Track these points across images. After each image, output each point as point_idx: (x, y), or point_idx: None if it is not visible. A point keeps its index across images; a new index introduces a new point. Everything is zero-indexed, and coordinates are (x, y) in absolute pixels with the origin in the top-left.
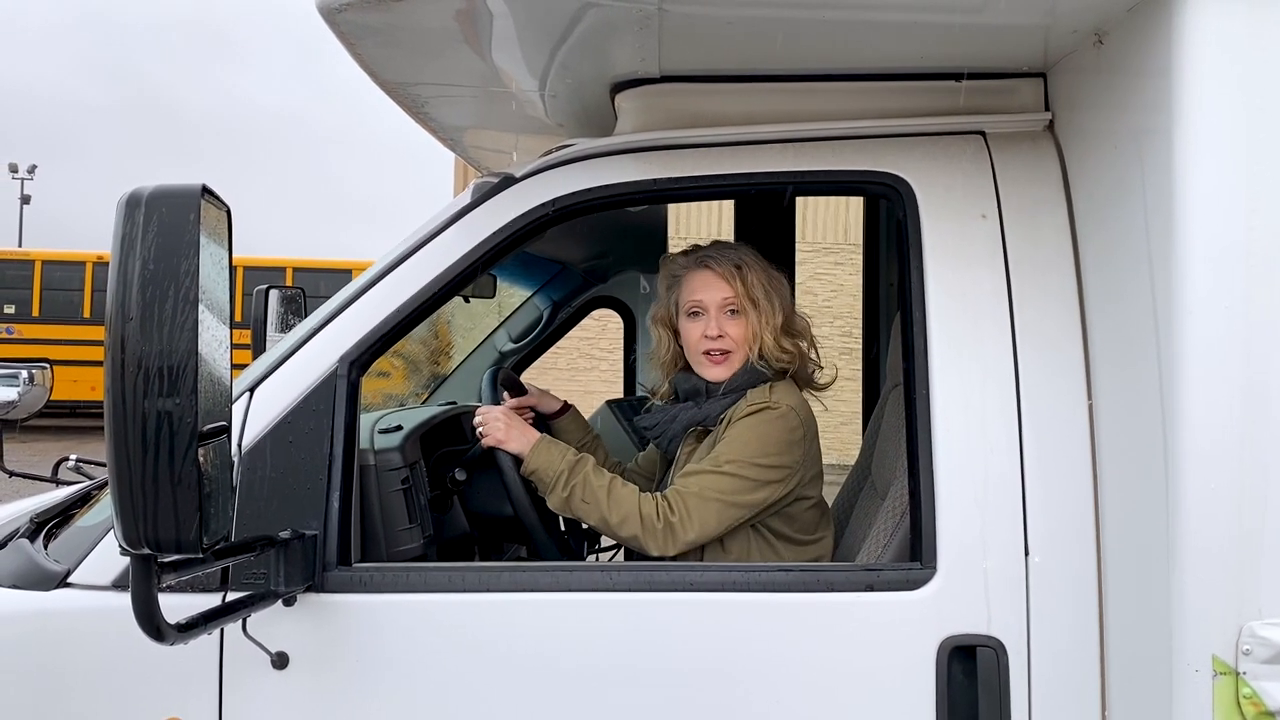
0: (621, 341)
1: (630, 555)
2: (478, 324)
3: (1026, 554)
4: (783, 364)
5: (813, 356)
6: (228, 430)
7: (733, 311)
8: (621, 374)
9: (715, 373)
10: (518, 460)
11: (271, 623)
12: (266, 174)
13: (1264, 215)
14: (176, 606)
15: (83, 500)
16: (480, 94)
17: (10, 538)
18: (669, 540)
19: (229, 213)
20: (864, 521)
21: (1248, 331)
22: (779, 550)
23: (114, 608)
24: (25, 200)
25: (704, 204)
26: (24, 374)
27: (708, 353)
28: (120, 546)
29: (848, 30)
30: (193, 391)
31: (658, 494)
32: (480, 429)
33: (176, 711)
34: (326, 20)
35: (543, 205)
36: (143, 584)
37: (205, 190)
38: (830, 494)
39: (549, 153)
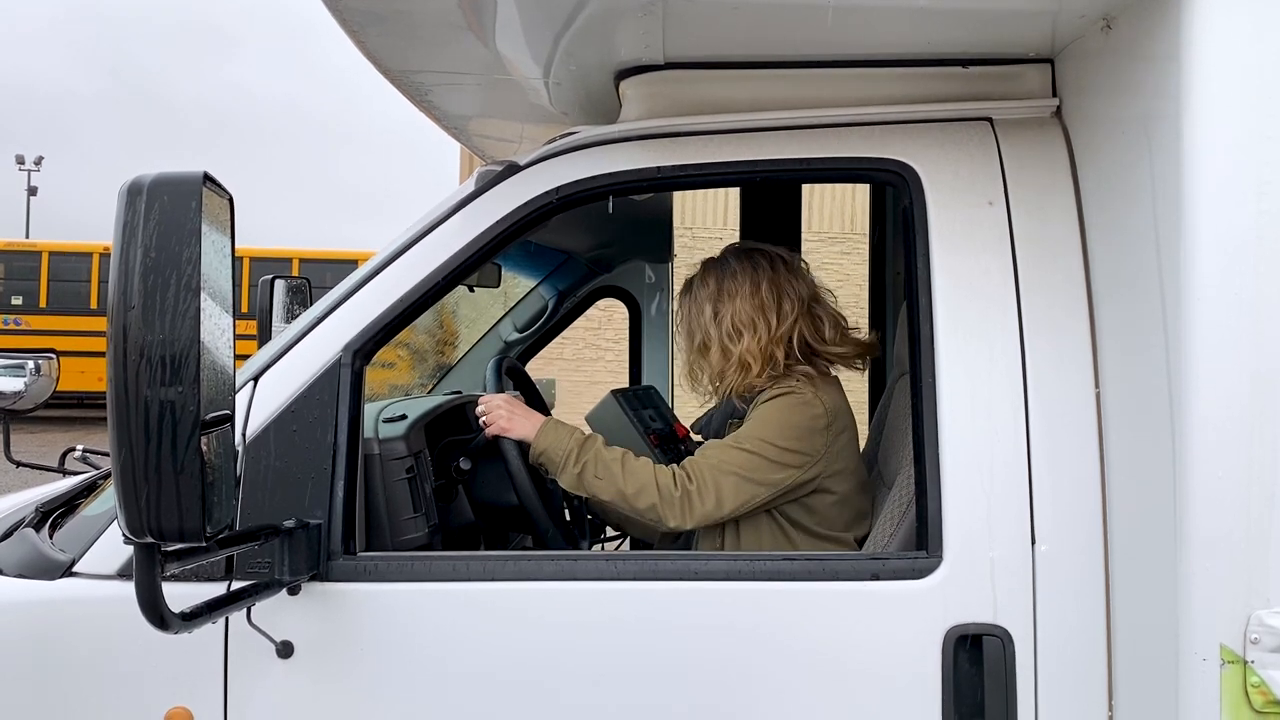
0: (627, 331)
1: (635, 545)
2: (483, 314)
3: (1033, 543)
4: (732, 388)
5: (783, 356)
6: (231, 419)
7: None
8: (627, 364)
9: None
10: (523, 448)
11: (276, 612)
12: (274, 168)
13: (1274, 201)
14: (181, 595)
15: (88, 490)
16: (484, 82)
17: (16, 527)
18: (686, 510)
19: (230, 200)
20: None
21: (1257, 318)
22: (794, 539)
23: (119, 597)
24: (32, 192)
25: (710, 192)
26: (30, 364)
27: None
28: (124, 535)
29: (854, 15)
30: (195, 380)
31: (673, 465)
32: (483, 418)
33: (182, 700)
34: (330, 8)
35: (547, 193)
36: (146, 573)
37: (207, 178)
38: None
39: (553, 140)
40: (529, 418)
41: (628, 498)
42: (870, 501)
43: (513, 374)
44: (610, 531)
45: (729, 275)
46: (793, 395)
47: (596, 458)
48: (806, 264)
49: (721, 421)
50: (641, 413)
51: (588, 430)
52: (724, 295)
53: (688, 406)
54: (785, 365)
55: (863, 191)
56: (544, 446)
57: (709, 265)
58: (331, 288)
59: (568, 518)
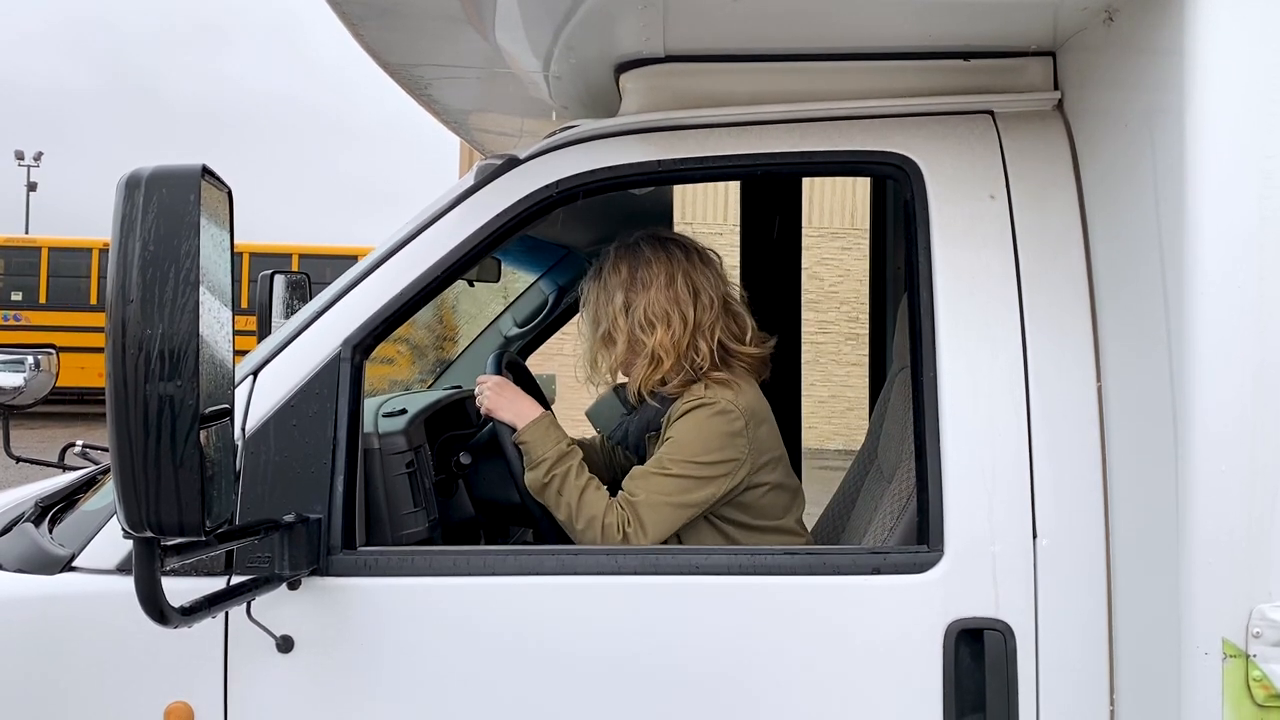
0: None
1: None
2: (483, 309)
3: (1034, 537)
4: (640, 382)
5: (687, 359)
6: (230, 413)
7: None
8: None
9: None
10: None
11: (276, 606)
12: (276, 164)
13: (1277, 195)
14: (181, 590)
15: (88, 485)
16: (484, 75)
17: (16, 522)
18: None
19: (229, 194)
20: (870, 504)
21: (1260, 313)
22: (735, 538)
23: (118, 591)
24: (32, 187)
25: (710, 186)
26: (30, 359)
27: None
28: (123, 530)
29: (855, 8)
30: (194, 374)
31: (618, 502)
32: (477, 399)
33: (182, 695)
34: (330, 2)
35: (547, 187)
36: (146, 567)
37: (205, 171)
38: (836, 478)
39: (553, 134)
40: (515, 402)
41: (575, 528)
42: (796, 478)
43: (513, 368)
44: None
45: (643, 264)
46: (705, 406)
47: (565, 477)
48: (719, 258)
49: (639, 434)
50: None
51: (588, 428)
52: (637, 284)
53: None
54: (702, 370)
55: (863, 186)
56: (526, 439)
57: (620, 251)
58: (331, 283)
59: None
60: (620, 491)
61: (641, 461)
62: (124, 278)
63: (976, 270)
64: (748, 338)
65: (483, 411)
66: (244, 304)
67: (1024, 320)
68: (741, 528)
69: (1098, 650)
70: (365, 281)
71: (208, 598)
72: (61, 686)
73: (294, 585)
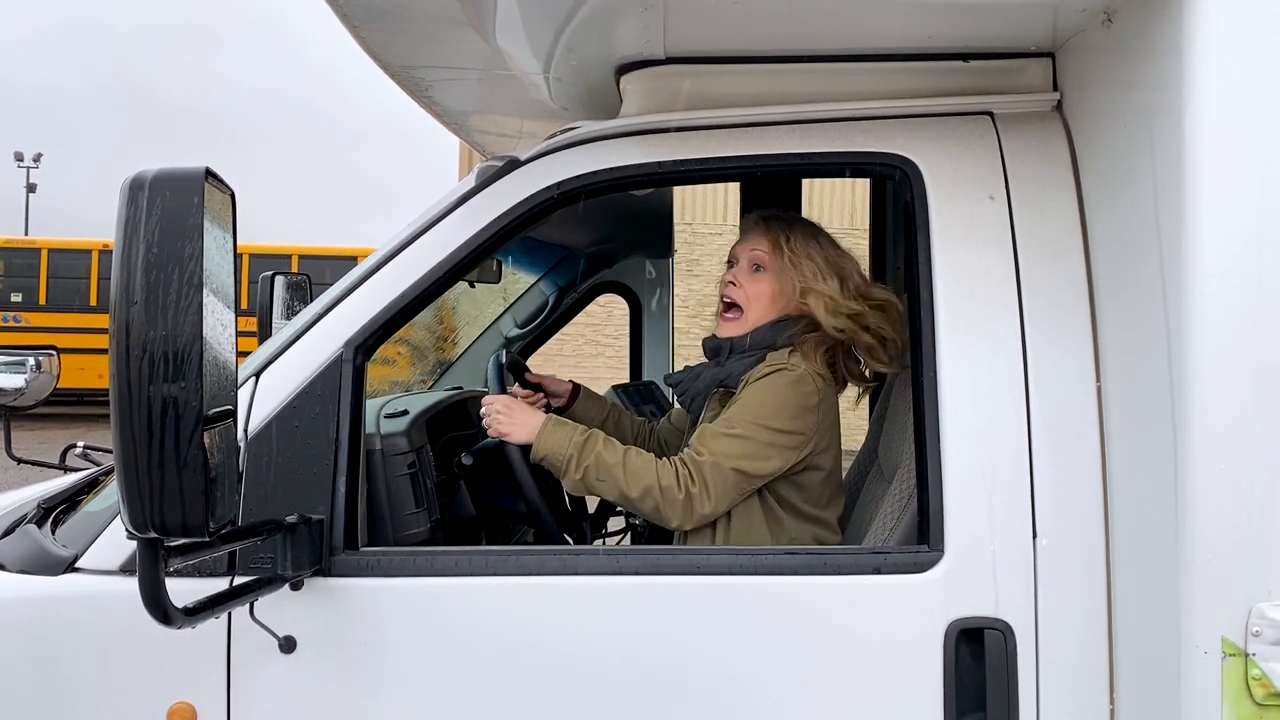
0: (628, 327)
1: (636, 539)
2: (483, 310)
3: (1034, 536)
4: (833, 337)
5: (877, 354)
6: (233, 414)
7: (758, 267)
8: (627, 359)
9: (724, 329)
10: (526, 451)
11: (279, 607)
12: (281, 164)
13: (1276, 194)
14: (184, 591)
15: (90, 486)
16: (484, 77)
17: (18, 524)
18: (688, 513)
19: (233, 196)
20: (871, 505)
21: (1259, 312)
22: (783, 521)
23: (122, 592)
24: (31, 189)
25: (710, 187)
26: (30, 361)
27: (724, 302)
28: (127, 530)
29: (854, 9)
30: (198, 375)
31: (676, 460)
32: (485, 422)
33: (185, 695)
34: (330, 4)
35: (548, 188)
36: (150, 568)
37: (209, 173)
38: None
39: (554, 136)
40: (527, 420)
41: (631, 501)
42: (842, 475)
43: (514, 369)
44: (612, 526)
45: (819, 232)
46: (784, 373)
47: (598, 461)
48: None
49: (709, 385)
50: (643, 408)
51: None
52: (824, 241)
53: None
54: (824, 346)
55: (863, 186)
56: (545, 452)
57: (794, 217)
58: (331, 284)
59: (569, 509)
60: (685, 449)
61: (694, 417)
62: (128, 280)
63: (976, 271)
64: (864, 367)
65: (493, 436)
66: (244, 305)
67: (1024, 321)
68: (791, 511)
69: (1097, 649)
70: (367, 283)
71: (211, 598)
72: (65, 687)
73: (296, 586)
